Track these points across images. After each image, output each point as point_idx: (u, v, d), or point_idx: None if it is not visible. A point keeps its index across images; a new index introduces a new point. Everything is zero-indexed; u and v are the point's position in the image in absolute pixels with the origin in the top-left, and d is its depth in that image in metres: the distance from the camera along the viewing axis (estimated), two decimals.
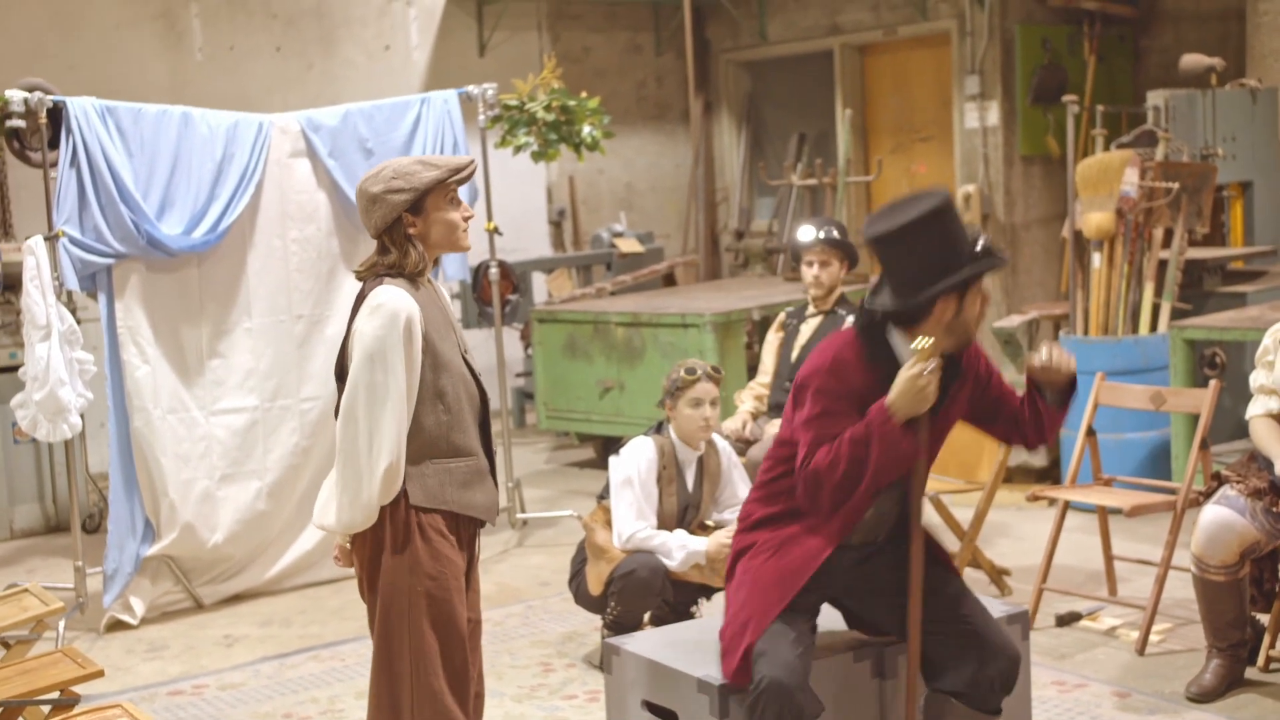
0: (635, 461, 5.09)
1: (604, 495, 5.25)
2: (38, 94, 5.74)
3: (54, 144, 5.82)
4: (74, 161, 5.78)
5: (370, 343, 3.42)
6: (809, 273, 6.25)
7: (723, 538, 4.87)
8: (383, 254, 3.54)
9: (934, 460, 3.73)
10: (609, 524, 5.12)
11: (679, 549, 4.97)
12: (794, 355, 6.30)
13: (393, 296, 3.45)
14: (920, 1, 9.76)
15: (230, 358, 6.30)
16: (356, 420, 3.41)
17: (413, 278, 3.52)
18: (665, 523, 5.10)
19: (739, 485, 5.22)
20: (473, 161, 3.62)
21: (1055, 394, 3.68)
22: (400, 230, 3.51)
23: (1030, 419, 3.72)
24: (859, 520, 3.62)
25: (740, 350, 7.97)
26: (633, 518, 5.02)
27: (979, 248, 3.52)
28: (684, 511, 5.17)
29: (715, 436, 5.26)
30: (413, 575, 3.47)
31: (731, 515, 5.12)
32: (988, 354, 3.81)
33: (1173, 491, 5.31)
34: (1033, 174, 9.58)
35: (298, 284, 6.41)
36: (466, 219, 3.61)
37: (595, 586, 5.10)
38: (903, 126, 10.44)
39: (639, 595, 4.96)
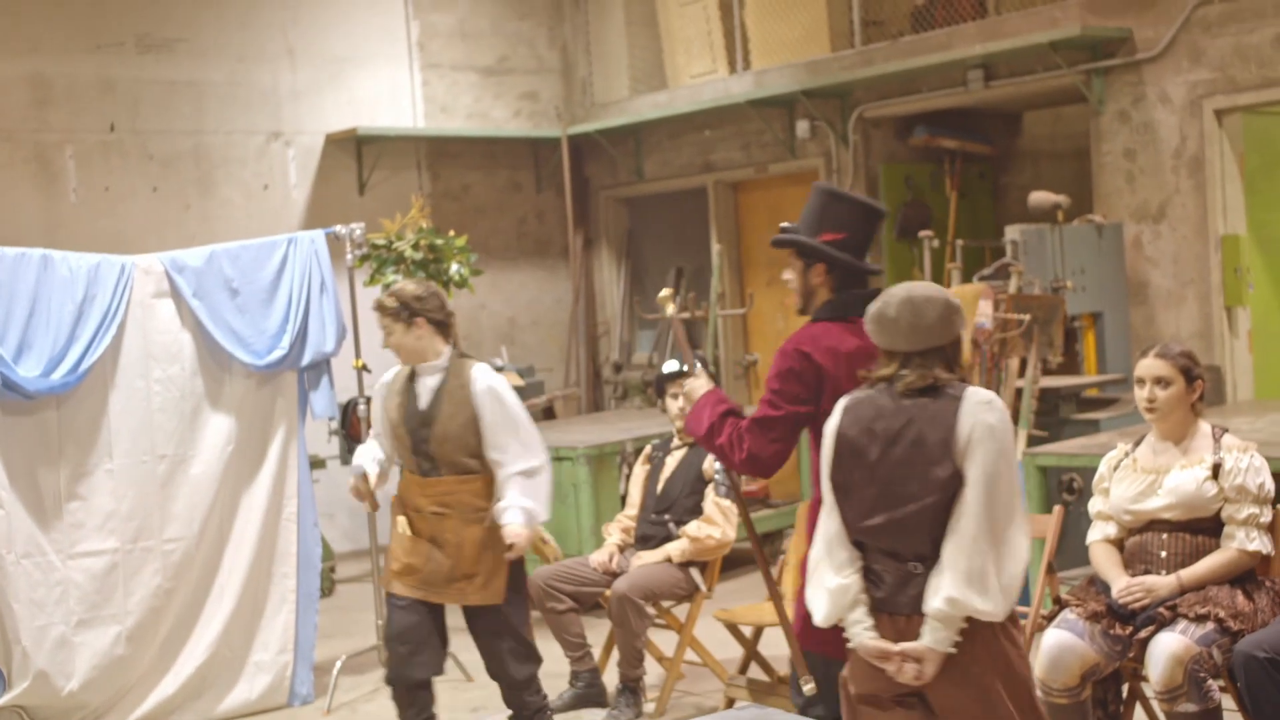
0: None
1: None
2: None
3: None
4: None
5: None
6: (673, 405, 6.36)
7: None
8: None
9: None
10: None
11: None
12: (659, 487, 6.38)
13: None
14: (789, 140, 10.08)
15: (90, 499, 6.22)
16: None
17: None
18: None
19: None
20: None
21: None
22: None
23: None
24: None
25: (614, 482, 8.04)
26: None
27: None
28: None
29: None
30: None
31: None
32: None
33: (1023, 615, 5.42)
34: None
35: (160, 424, 6.38)
36: None
37: None
38: (775, 260, 10.65)
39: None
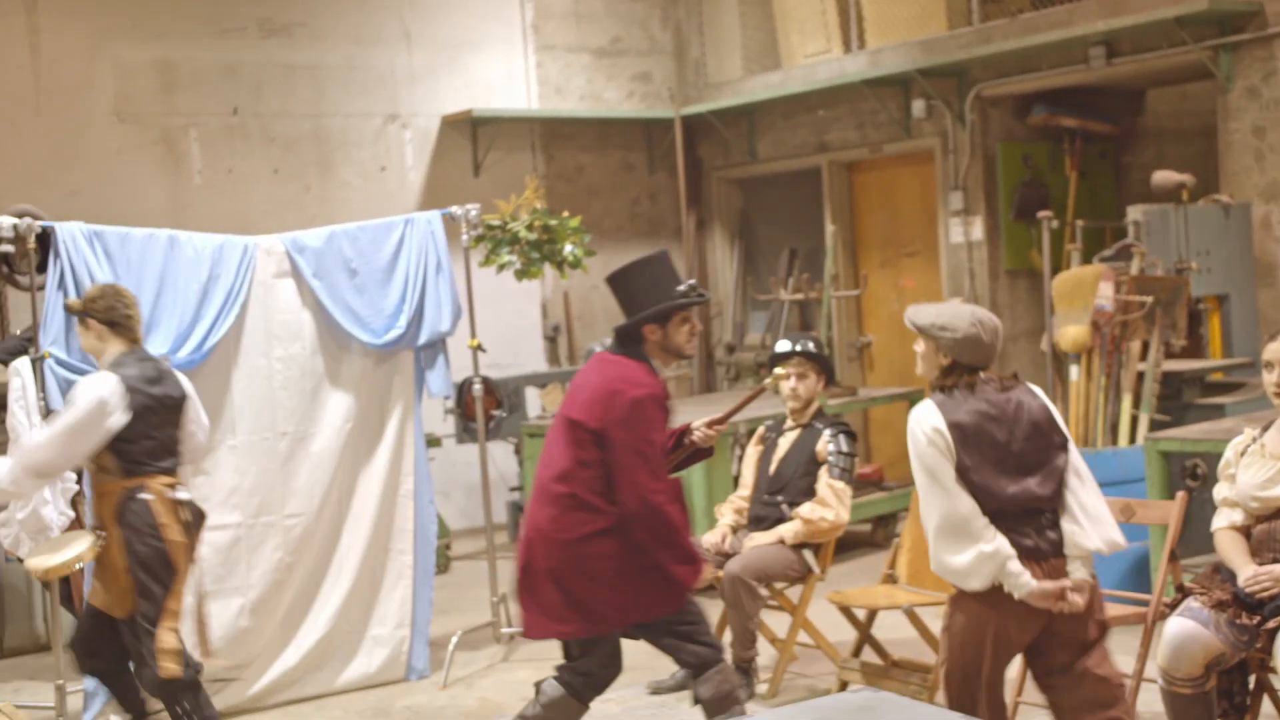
0: None
1: None
2: (26, 219, 5.89)
3: (43, 268, 5.95)
4: (61, 284, 5.91)
5: None
6: (785, 385, 6.34)
7: None
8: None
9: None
10: None
11: None
12: (772, 468, 6.37)
13: None
14: (904, 120, 9.96)
15: (214, 475, 6.36)
16: None
17: None
18: None
19: None
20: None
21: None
22: None
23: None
24: None
25: (727, 464, 8.04)
26: None
27: (681, 290, 4.78)
28: None
29: None
30: None
31: None
32: None
33: (1144, 603, 5.32)
34: (1018, 287, 9.69)
35: (282, 401, 6.51)
36: None
37: None
38: (890, 241, 10.59)
39: None
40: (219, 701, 6.27)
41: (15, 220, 5.86)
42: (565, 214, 7.32)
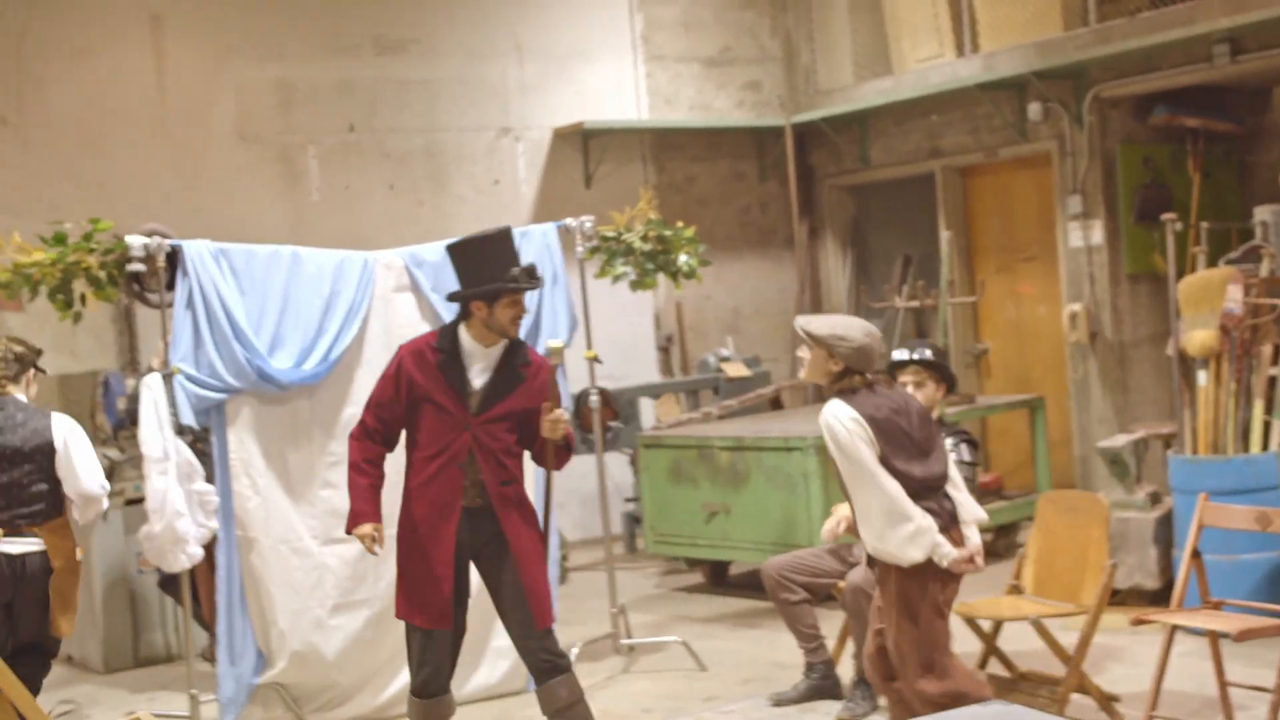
0: None
1: None
2: (156, 239, 6.03)
3: (171, 285, 6.08)
4: (190, 302, 6.04)
5: None
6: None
7: None
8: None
9: (506, 451, 5.16)
10: None
11: None
12: None
13: None
14: (1020, 124, 9.82)
15: (341, 487, 6.40)
16: None
17: None
18: None
19: None
20: None
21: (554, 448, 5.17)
22: None
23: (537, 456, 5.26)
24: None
25: None
26: None
27: (513, 273, 5.06)
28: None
29: None
30: None
31: None
32: (558, 390, 5.25)
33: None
34: (1139, 292, 9.50)
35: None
36: None
37: None
38: (1006, 246, 10.44)
39: None
40: (345, 712, 6.37)
41: (146, 240, 6.01)
42: (680, 224, 7.31)
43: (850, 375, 4.83)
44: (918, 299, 9.92)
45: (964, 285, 10.39)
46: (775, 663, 6.82)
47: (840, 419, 4.72)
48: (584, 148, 10.66)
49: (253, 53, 9.53)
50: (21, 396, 5.73)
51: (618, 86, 10.84)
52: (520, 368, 5.21)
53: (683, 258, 7.18)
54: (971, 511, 4.89)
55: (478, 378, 5.15)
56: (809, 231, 11.51)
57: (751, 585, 8.59)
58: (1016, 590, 6.02)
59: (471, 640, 6.63)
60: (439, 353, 5.16)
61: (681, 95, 11.13)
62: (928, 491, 4.78)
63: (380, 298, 6.56)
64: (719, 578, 8.81)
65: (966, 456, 6.12)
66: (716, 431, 8.50)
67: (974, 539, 4.84)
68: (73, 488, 5.61)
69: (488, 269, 5.12)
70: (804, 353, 4.91)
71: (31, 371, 5.80)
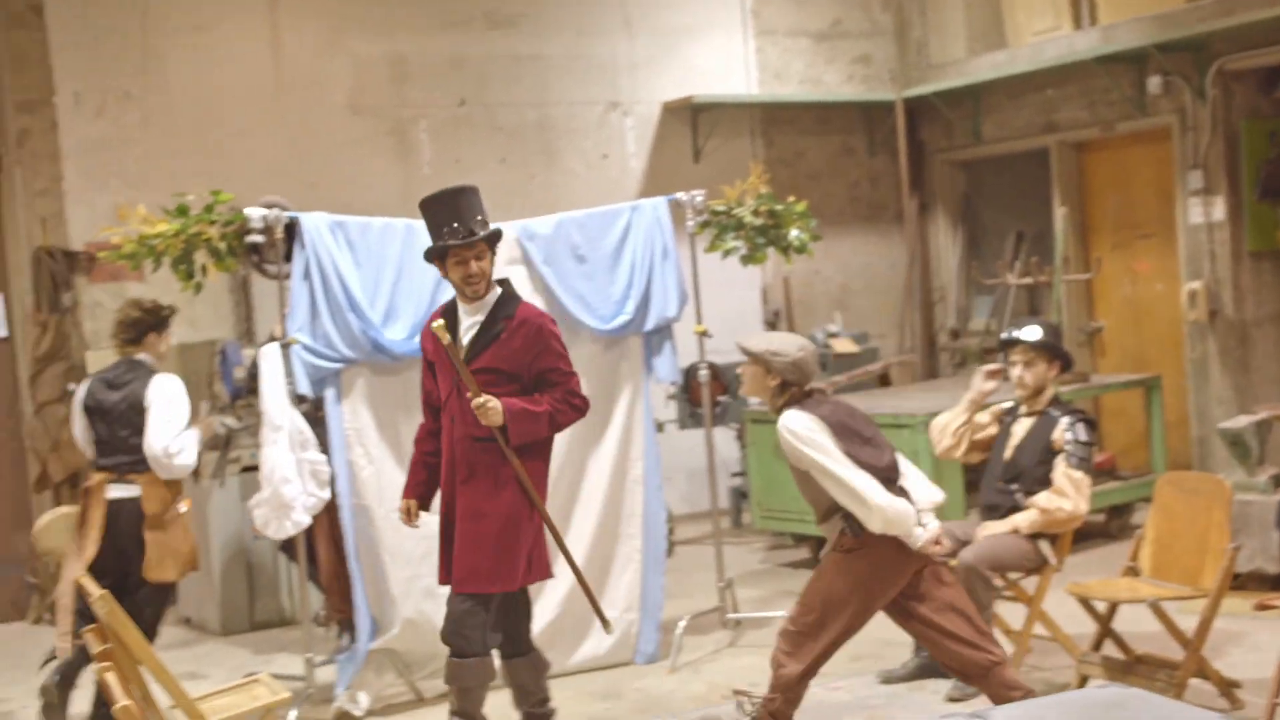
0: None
1: None
2: (275, 210, 6.12)
3: (289, 256, 6.18)
4: (307, 273, 6.13)
5: None
6: (1014, 373, 6.19)
7: None
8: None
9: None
10: None
11: None
12: (1006, 455, 6.21)
13: None
14: (1139, 98, 9.61)
15: None
16: None
17: None
18: None
19: None
20: None
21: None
22: None
23: None
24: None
25: None
26: None
27: (447, 230, 5.06)
28: None
29: None
30: None
31: None
32: (555, 342, 5.27)
33: None
34: (1262, 269, 9.26)
35: None
36: None
37: None
38: (1123, 223, 10.23)
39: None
40: None
41: (265, 211, 6.11)
42: (791, 199, 7.26)
43: (789, 388, 4.99)
44: (1031, 276, 9.76)
45: (1078, 262, 10.20)
46: (883, 640, 6.76)
47: (798, 423, 4.89)
48: (693, 122, 10.63)
49: (366, 28, 9.62)
50: (145, 356, 6.06)
51: (727, 61, 10.79)
52: (503, 322, 5.19)
53: (794, 232, 7.13)
54: (934, 497, 5.04)
55: (465, 336, 5.20)
56: (919, 207, 11.38)
57: None
58: (1133, 572, 5.92)
59: (579, 612, 6.70)
60: (444, 315, 5.25)
61: (791, 69, 11.05)
62: (888, 482, 4.91)
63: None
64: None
65: (1083, 436, 6.03)
66: None
67: (933, 523, 4.96)
68: (143, 444, 5.91)
69: (435, 229, 5.17)
70: (743, 370, 5.14)
71: (155, 334, 6.07)
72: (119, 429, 5.97)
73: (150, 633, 5.79)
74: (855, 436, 4.94)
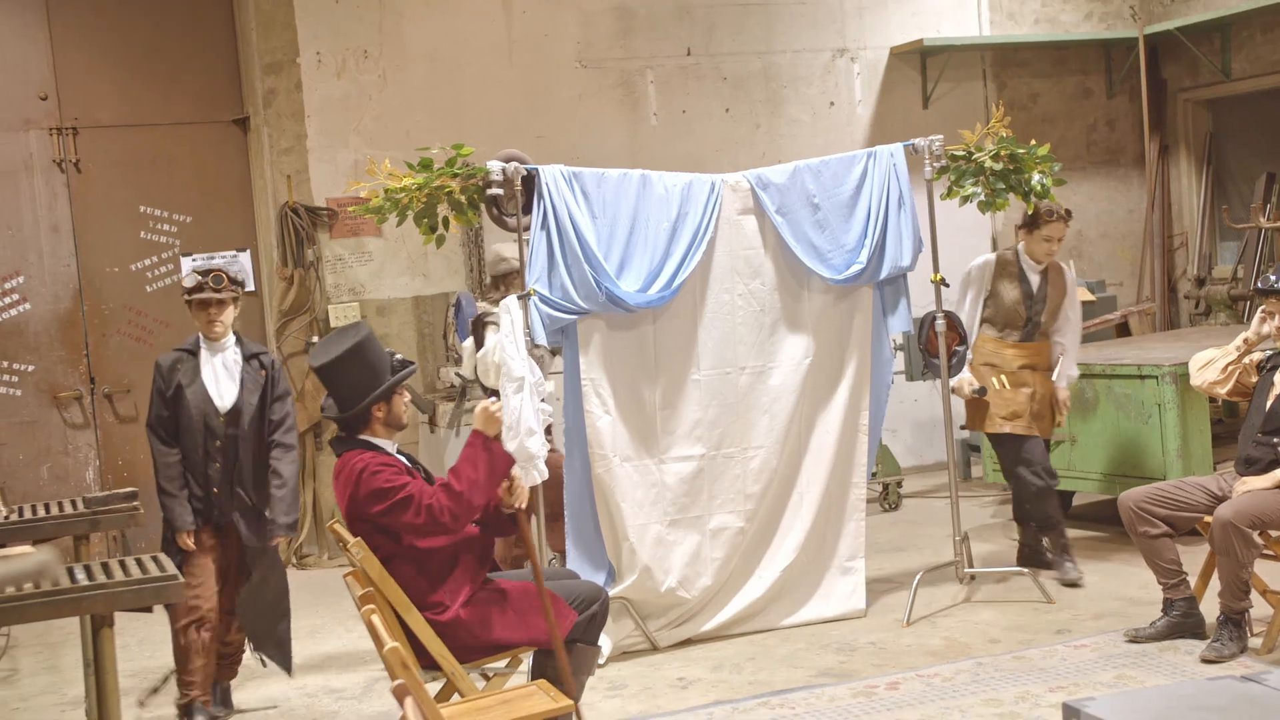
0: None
1: None
2: (514, 164, 6.20)
3: (527, 209, 6.26)
4: (544, 225, 6.20)
5: None
6: (1268, 324, 5.88)
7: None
8: None
9: None
10: None
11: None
12: (1268, 404, 5.90)
13: None
14: None
15: (680, 408, 6.53)
16: None
17: None
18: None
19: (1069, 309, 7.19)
20: None
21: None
22: None
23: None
24: None
25: (1202, 401, 7.56)
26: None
27: (395, 363, 4.89)
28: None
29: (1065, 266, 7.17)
30: None
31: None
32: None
33: None
34: None
35: (742, 337, 6.60)
36: None
37: None
38: None
39: None
40: (682, 632, 6.49)
41: (504, 164, 6.19)
42: (1033, 142, 7.02)
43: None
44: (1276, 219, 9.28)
45: None
46: (1128, 598, 6.57)
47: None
48: (921, 67, 10.39)
49: None
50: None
51: (957, 3, 10.49)
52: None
53: (1036, 177, 6.89)
54: None
55: None
56: (1160, 149, 10.90)
57: (1096, 517, 8.30)
58: None
59: (809, 563, 6.67)
60: None
61: (1025, 9, 10.69)
62: None
63: (726, 220, 6.58)
64: (1062, 509, 8.52)
65: None
66: None
67: None
68: None
69: (373, 373, 4.89)
70: None
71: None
72: None
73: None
74: None
